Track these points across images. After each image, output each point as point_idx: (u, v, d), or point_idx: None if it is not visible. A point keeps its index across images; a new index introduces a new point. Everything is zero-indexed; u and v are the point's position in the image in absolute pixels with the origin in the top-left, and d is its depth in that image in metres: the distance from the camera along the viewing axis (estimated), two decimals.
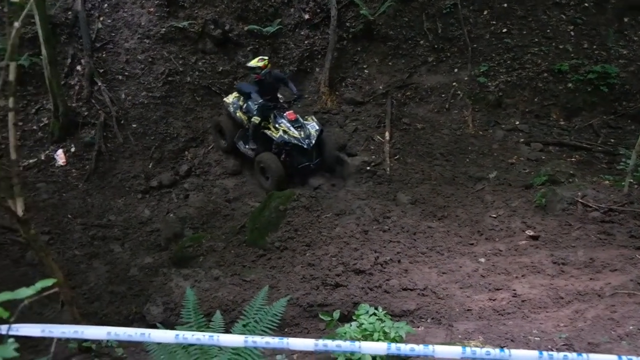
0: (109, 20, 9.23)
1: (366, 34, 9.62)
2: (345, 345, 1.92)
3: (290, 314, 5.05)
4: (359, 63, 9.67)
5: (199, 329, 3.39)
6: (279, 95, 8.33)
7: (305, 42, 9.66)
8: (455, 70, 9.45)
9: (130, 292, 6.15)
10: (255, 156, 7.96)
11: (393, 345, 1.99)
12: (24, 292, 1.24)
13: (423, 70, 9.51)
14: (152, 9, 9.22)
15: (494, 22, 9.55)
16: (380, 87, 9.40)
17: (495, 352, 1.95)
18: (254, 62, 7.91)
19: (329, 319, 3.66)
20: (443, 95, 9.24)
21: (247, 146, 8.19)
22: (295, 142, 7.66)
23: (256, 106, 7.78)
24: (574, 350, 3.53)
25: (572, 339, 3.74)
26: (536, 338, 3.83)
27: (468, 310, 4.72)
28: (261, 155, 7.82)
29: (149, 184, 8.16)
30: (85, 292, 6.25)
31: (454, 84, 9.29)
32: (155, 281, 6.12)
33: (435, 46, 9.52)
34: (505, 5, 9.59)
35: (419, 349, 1.90)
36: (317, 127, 7.85)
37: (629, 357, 2.02)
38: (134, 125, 8.68)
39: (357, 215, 6.70)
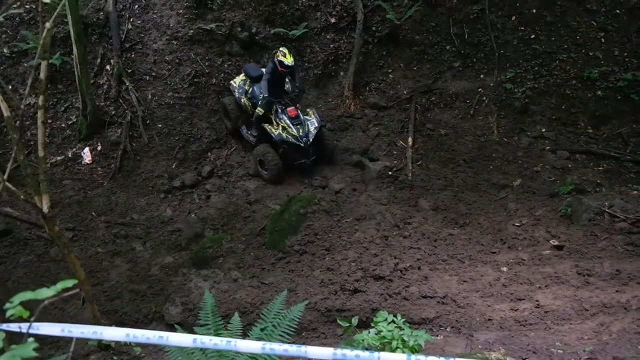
0: (139, 21, 9.40)
1: (392, 39, 9.58)
2: (364, 355, 1.89)
3: (307, 318, 5.04)
4: (383, 67, 9.63)
5: (217, 331, 3.39)
6: (286, 86, 8.36)
7: (331, 45, 9.67)
8: (481, 76, 9.33)
9: (150, 291, 6.21)
10: (256, 144, 8.19)
11: (413, 357, 1.95)
12: (45, 293, 1.25)
13: (448, 75, 9.42)
14: (181, 11, 9.36)
15: (522, 28, 9.40)
16: (405, 92, 9.34)
17: None
18: (289, 59, 7.80)
19: (347, 324, 3.63)
20: (468, 101, 9.13)
21: (249, 132, 8.46)
22: (293, 140, 7.82)
23: (262, 97, 7.91)
24: None
25: (597, 353, 3.63)
26: (559, 351, 3.73)
27: (489, 320, 4.63)
28: (259, 148, 8.03)
29: (171, 184, 8.26)
30: (106, 289, 6.34)
31: (480, 89, 9.17)
32: (175, 281, 6.18)
33: (462, 51, 9.42)
34: (535, 11, 9.43)
35: None
36: (317, 124, 8.00)
37: None
38: (159, 125, 8.81)
39: (377, 220, 6.67)
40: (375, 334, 3.40)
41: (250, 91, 8.29)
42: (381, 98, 9.34)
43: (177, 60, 9.15)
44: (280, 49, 8.00)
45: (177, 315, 5.56)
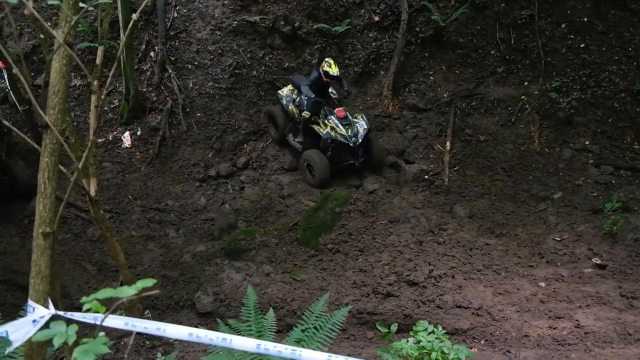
0: (185, 10, 9.49)
1: (435, 40, 9.42)
2: None
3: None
4: (424, 69, 9.49)
5: (259, 329, 3.39)
6: (331, 91, 8.34)
7: (373, 44, 9.58)
8: (525, 83, 9.10)
9: (182, 277, 6.28)
10: (303, 151, 8.06)
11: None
12: (125, 291, 1.24)
13: (491, 80, 9.22)
14: (226, 2, 9.40)
15: (571, 36, 9.13)
16: (445, 95, 9.18)
17: None
18: (334, 70, 7.76)
19: (386, 330, 3.58)
20: (510, 108, 8.93)
21: (296, 139, 8.32)
22: (342, 139, 7.69)
23: (307, 100, 7.85)
24: None
25: None
26: None
27: (525, 336, 4.52)
28: (307, 152, 7.89)
29: (207, 173, 8.33)
30: (139, 273, 6.43)
31: (523, 97, 8.95)
32: (207, 270, 6.23)
33: (507, 57, 9.21)
34: (586, 19, 9.14)
35: None
36: (366, 126, 7.86)
37: None
38: (199, 114, 8.89)
39: (412, 224, 6.58)
40: (415, 343, 3.35)
41: (297, 100, 8.23)
42: (420, 100, 9.22)
43: (219, 51, 9.21)
44: (326, 59, 7.95)
45: (208, 305, 5.61)
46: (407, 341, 3.41)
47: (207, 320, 5.47)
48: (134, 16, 1.95)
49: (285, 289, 5.60)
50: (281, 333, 4.35)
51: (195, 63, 9.17)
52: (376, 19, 9.65)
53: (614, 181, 7.69)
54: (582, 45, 9.12)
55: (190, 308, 5.84)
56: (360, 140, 7.73)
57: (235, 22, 9.28)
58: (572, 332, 4.47)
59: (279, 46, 9.40)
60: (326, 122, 7.90)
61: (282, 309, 5.33)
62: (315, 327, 3.26)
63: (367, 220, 6.48)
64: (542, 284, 5.31)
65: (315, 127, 7.95)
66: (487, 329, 4.67)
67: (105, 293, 1.26)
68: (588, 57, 8.98)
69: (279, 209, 7.52)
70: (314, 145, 7.96)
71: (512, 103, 8.97)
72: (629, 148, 8.35)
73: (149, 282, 1.28)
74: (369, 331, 4.95)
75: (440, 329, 3.48)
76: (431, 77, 9.45)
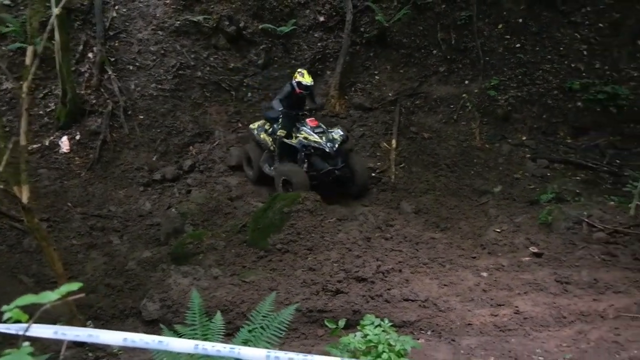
0: (124, 10, 9.21)
1: (379, 40, 9.60)
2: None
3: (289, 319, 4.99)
4: (370, 69, 9.65)
5: (204, 332, 3.33)
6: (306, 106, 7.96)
7: (318, 44, 9.64)
8: (466, 82, 9.43)
9: (127, 286, 6.09)
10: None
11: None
12: (48, 297, 1.18)
13: (434, 79, 9.49)
14: (168, 1, 9.21)
15: (508, 37, 9.54)
16: (390, 94, 9.37)
17: None
18: (308, 79, 7.47)
19: (334, 326, 3.60)
20: (452, 106, 9.22)
21: (272, 168, 7.75)
22: (316, 145, 7.29)
23: (279, 117, 7.42)
24: None
25: None
26: (540, 357, 3.78)
27: (469, 324, 4.66)
28: (281, 167, 7.44)
29: (151, 177, 8.12)
30: (81, 282, 6.17)
31: (464, 95, 9.27)
32: (154, 276, 6.06)
33: (448, 57, 9.50)
34: (521, 20, 9.58)
35: None
36: (342, 133, 7.51)
37: None
38: (141, 117, 8.64)
39: (360, 221, 6.65)
40: (362, 337, 3.39)
41: (269, 130, 7.86)
42: (366, 99, 9.36)
43: (162, 51, 9.00)
44: (299, 70, 7.69)
45: (154, 312, 5.45)
46: (355, 336, 3.45)
47: (153, 328, 5.31)
48: (55, 10, 1.86)
49: (234, 291, 5.52)
50: (231, 336, 4.29)
51: (137, 64, 8.92)
52: (321, 19, 9.72)
53: (549, 174, 8.09)
54: (518, 45, 9.54)
55: (136, 316, 5.66)
56: (336, 146, 7.33)
57: (178, 22, 9.10)
58: (512, 318, 4.65)
59: (223, 46, 9.30)
60: (298, 134, 7.48)
61: (232, 312, 5.25)
62: (262, 327, 3.24)
63: (315, 219, 6.49)
64: (484, 274, 5.50)
65: (288, 142, 7.55)
66: (433, 319, 4.79)
67: (26, 299, 1.19)
68: (523, 57, 9.41)
69: (227, 211, 7.43)
70: (291, 160, 7.52)
71: (453, 101, 9.27)
72: (562, 142, 8.81)
73: (74, 286, 1.22)
74: (319, 329, 4.96)
75: (386, 322, 3.54)
76: (376, 77, 9.62)
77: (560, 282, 5.14)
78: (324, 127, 7.55)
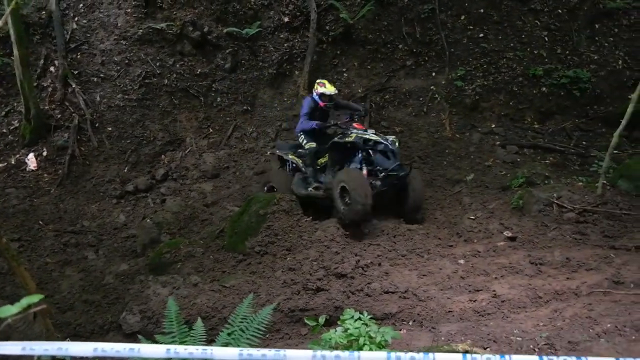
0: (84, 21, 9.04)
1: (345, 38, 9.65)
2: (344, 355, 1.87)
3: (271, 320, 4.98)
4: (338, 66, 9.69)
5: (182, 339, 3.30)
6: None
7: (285, 45, 9.63)
8: (433, 74, 9.55)
9: (105, 300, 5.99)
10: (325, 190, 6.50)
11: (393, 354, 1.95)
12: (9, 310, 1.16)
13: (401, 74, 9.58)
14: (129, 10, 9.07)
15: (471, 27, 9.69)
16: (359, 91, 9.43)
17: (496, 358, 1.93)
18: (331, 88, 6.71)
19: (314, 324, 3.61)
20: (421, 99, 9.33)
21: (312, 188, 6.76)
22: (377, 138, 6.24)
23: (311, 127, 6.59)
24: (555, 350, 3.57)
25: (553, 338, 3.78)
26: (518, 338, 3.86)
27: (449, 312, 4.73)
28: (339, 174, 6.28)
29: (124, 189, 7.99)
30: (57, 301, 6.06)
31: (432, 87, 9.39)
32: (132, 289, 5.97)
33: (414, 50, 9.61)
34: (482, 10, 9.74)
35: (419, 356, 1.87)
36: (393, 137, 6.56)
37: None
38: (109, 129, 8.50)
39: (337, 218, 6.68)
40: (343, 331, 3.41)
41: (297, 152, 7.06)
42: (337, 97, 9.37)
43: (126, 61, 8.87)
44: (318, 80, 6.97)
45: (135, 324, 5.37)
46: (335, 331, 3.47)
47: (134, 340, 5.24)
48: (8, 9, 1.82)
49: (215, 297, 5.48)
50: (213, 342, 4.26)
51: (101, 75, 8.77)
52: (286, 19, 9.72)
53: (519, 159, 8.26)
54: (481, 35, 9.71)
55: (116, 330, 5.57)
56: (397, 145, 6.41)
57: (141, 31, 8.98)
58: (490, 302, 4.74)
59: (189, 52, 9.21)
60: (350, 134, 6.43)
61: (214, 318, 5.21)
62: (241, 329, 3.23)
63: (292, 219, 6.49)
64: (462, 261, 5.59)
65: (341, 140, 6.45)
66: (414, 309, 4.84)
67: None
68: (487, 46, 9.57)
69: (203, 218, 7.37)
70: (338, 169, 6.56)
71: (422, 94, 9.38)
72: (530, 128, 9.01)
73: (34, 298, 1.20)
74: (302, 328, 4.96)
75: (366, 315, 3.57)
76: (345, 74, 9.67)
77: (535, 264, 5.26)
78: (374, 130, 6.61)
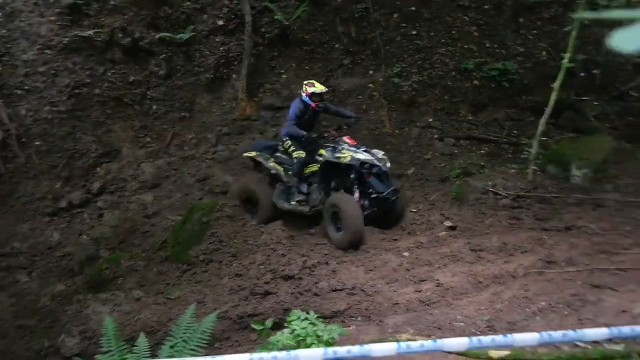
0: (4, 31, 8.52)
1: (282, 39, 9.62)
2: (281, 355, 1.85)
3: (219, 328, 4.89)
4: (276, 68, 9.64)
5: (122, 357, 3.17)
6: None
7: (221, 48, 9.48)
8: (371, 72, 9.69)
9: (41, 324, 5.69)
10: (313, 206, 6.28)
11: (330, 349, 1.95)
12: None
13: (339, 73, 9.66)
14: (52, 18, 8.62)
15: (404, 25, 9.92)
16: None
17: (428, 343, 1.98)
18: (320, 87, 6.46)
19: (261, 327, 3.57)
20: (360, 97, 9.44)
21: (295, 200, 6.42)
22: (372, 161, 6.07)
23: (300, 137, 6.37)
24: (495, 331, 3.70)
25: (493, 320, 3.92)
26: (461, 323, 3.97)
27: (396, 304, 4.81)
28: (333, 196, 6.10)
29: (57, 205, 7.59)
30: None
31: (370, 85, 9.53)
32: (69, 309, 5.70)
33: (350, 49, 9.72)
34: (414, 8, 9.99)
35: (355, 349, 1.88)
36: (382, 154, 6.39)
37: (549, 332, 2.14)
38: (38, 143, 8.04)
39: (282, 221, 6.65)
40: (290, 333, 3.38)
41: (275, 156, 6.75)
42: (276, 99, 9.35)
43: (52, 71, 8.43)
44: (305, 81, 6.69)
45: (75, 347, 5.13)
46: (283, 333, 3.43)
47: None
48: None
49: (159, 310, 5.32)
50: (156, 357, 4.12)
51: (26, 87, 8.29)
52: (220, 23, 9.57)
53: (456, 151, 8.52)
54: (414, 32, 9.95)
55: (55, 355, 5.29)
56: (388, 165, 6.26)
57: (67, 39, 8.57)
58: (434, 291, 4.86)
59: (120, 60, 8.88)
60: (343, 151, 6.20)
61: (159, 332, 5.06)
62: (184, 340, 3.14)
63: (236, 225, 6.41)
64: (406, 254, 5.70)
65: (335, 160, 6.21)
66: (361, 305, 4.89)
67: None
68: (420, 43, 9.83)
69: (144, 230, 7.13)
70: (327, 188, 6.32)
71: (361, 92, 9.50)
72: (465, 120, 9.32)
73: None
74: (252, 334, 4.89)
75: (312, 314, 3.56)
76: (283, 76, 9.63)
77: (474, 250, 5.44)
78: (364, 146, 6.42)
